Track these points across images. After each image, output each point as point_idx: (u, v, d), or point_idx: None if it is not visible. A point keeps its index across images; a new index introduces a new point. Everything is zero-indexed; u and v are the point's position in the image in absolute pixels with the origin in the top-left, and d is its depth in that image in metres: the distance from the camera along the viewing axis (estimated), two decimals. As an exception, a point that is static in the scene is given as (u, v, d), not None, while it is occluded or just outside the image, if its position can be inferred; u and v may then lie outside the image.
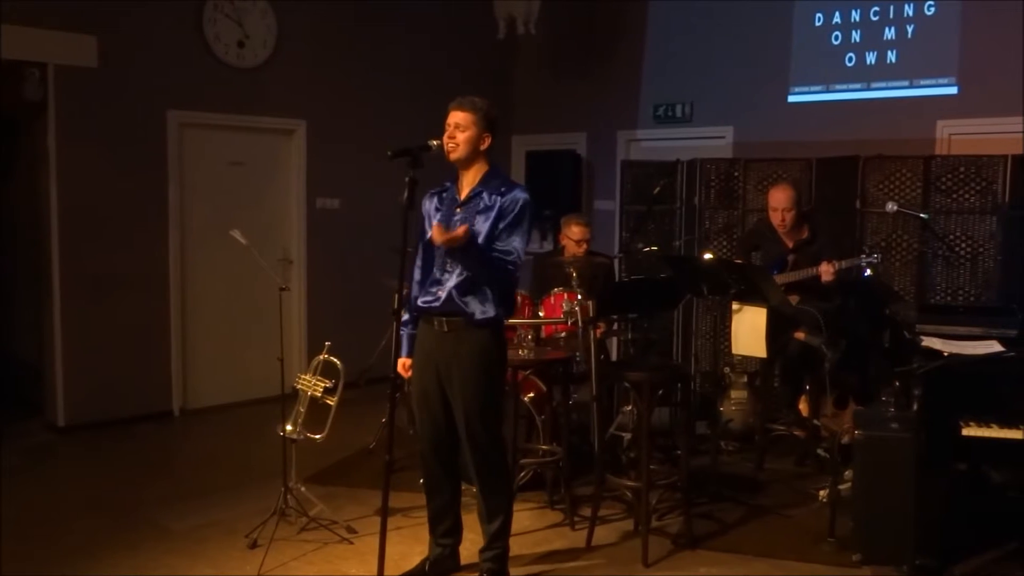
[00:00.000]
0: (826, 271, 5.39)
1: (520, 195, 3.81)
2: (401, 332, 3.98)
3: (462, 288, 3.76)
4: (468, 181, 3.88)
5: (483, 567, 3.99)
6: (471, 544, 4.19)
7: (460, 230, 3.60)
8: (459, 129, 3.80)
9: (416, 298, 3.91)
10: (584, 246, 5.82)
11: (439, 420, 3.92)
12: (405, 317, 3.97)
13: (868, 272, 5.39)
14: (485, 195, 3.81)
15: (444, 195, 3.94)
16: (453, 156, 3.81)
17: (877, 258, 5.42)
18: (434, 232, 3.66)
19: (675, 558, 4.38)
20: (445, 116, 3.86)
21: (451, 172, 3.94)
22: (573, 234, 5.84)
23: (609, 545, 4.53)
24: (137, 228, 6.78)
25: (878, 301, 5.55)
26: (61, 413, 6.52)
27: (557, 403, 5.15)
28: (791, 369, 5.86)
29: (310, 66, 7.68)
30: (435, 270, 3.85)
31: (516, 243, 3.77)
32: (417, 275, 3.93)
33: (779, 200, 5.71)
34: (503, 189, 3.82)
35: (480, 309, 3.77)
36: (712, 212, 7.06)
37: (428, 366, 3.89)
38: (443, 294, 3.79)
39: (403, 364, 4.00)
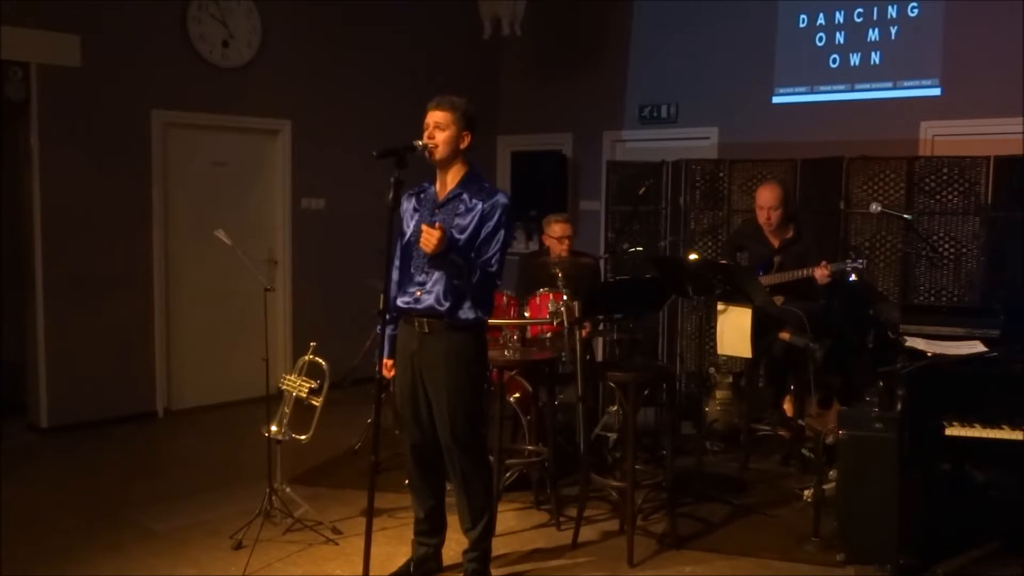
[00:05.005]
0: (822, 275, 5.41)
1: (501, 201, 3.80)
2: (380, 332, 3.97)
3: (444, 290, 3.75)
4: (447, 182, 3.85)
5: (467, 568, 3.99)
6: (455, 544, 4.19)
7: (436, 235, 3.56)
8: (438, 128, 3.76)
9: (395, 298, 3.89)
10: (567, 243, 5.80)
11: (423, 421, 3.91)
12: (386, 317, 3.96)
13: (853, 277, 5.42)
14: (466, 197, 3.79)
15: (423, 196, 3.92)
16: (435, 156, 3.78)
17: (862, 263, 5.44)
18: (423, 238, 3.61)
19: (660, 558, 4.39)
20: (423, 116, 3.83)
21: (435, 174, 3.92)
22: (554, 232, 5.82)
23: (595, 545, 4.53)
24: (121, 228, 6.74)
25: (862, 302, 5.57)
26: (44, 414, 6.48)
27: (543, 403, 5.14)
28: (776, 369, 5.88)
29: (295, 66, 7.66)
30: (414, 270, 3.83)
31: (496, 250, 3.77)
32: (395, 275, 3.91)
33: (765, 198, 5.73)
34: (484, 194, 3.80)
35: (462, 311, 3.77)
36: (697, 213, 7.07)
37: (410, 367, 3.88)
38: (424, 295, 3.78)
39: (386, 365, 3.99)
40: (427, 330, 3.80)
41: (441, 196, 3.84)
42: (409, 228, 3.89)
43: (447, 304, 3.75)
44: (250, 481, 5.13)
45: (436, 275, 3.77)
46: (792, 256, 5.69)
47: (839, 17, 7.48)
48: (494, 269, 3.79)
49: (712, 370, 6.33)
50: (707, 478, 5.27)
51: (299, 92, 7.73)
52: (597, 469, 5.08)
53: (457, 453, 3.86)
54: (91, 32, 6.47)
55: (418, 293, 3.80)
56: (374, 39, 8.24)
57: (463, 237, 3.74)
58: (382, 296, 3.80)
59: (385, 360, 3.98)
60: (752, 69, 7.89)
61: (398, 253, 3.93)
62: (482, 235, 3.76)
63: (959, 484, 4.57)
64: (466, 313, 3.77)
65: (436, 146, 3.75)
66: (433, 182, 3.92)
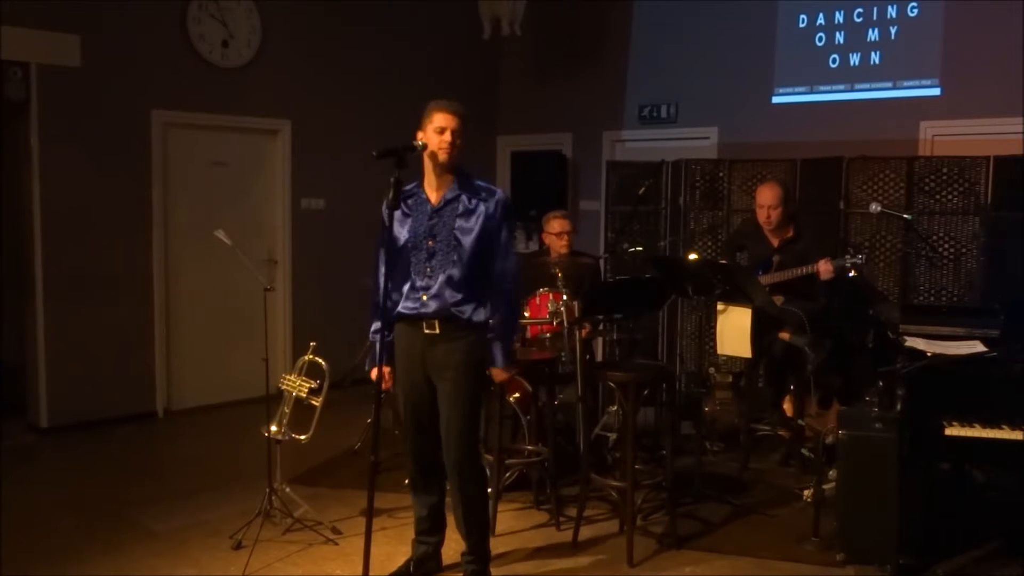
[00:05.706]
0: (825, 270, 5.41)
1: (500, 197, 3.84)
2: (374, 339, 3.91)
3: (451, 293, 3.76)
4: (441, 184, 3.82)
5: (466, 569, 4.00)
6: (455, 544, 4.19)
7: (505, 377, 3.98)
8: (456, 135, 3.74)
9: (394, 303, 3.85)
10: (565, 239, 5.80)
11: (425, 422, 3.91)
12: (377, 325, 3.88)
13: (853, 273, 5.42)
14: (465, 198, 3.80)
15: (411, 200, 3.85)
16: (448, 160, 3.74)
17: (861, 259, 5.44)
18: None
19: (660, 558, 4.39)
20: (423, 115, 3.78)
21: (421, 176, 3.88)
22: (553, 228, 5.82)
23: (594, 545, 4.53)
24: (121, 228, 6.74)
25: (862, 301, 5.57)
26: (44, 414, 6.48)
27: (543, 403, 5.15)
28: (776, 369, 5.87)
29: (295, 66, 7.66)
30: (415, 275, 3.81)
31: (507, 244, 3.85)
32: (387, 279, 3.79)
33: (766, 197, 5.73)
34: (483, 192, 3.82)
35: (474, 314, 3.79)
36: (697, 213, 7.07)
37: (417, 368, 3.87)
38: (431, 300, 3.78)
39: (385, 372, 3.87)
40: (437, 331, 3.80)
41: (435, 200, 3.82)
42: (402, 233, 3.85)
43: (460, 307, 3.77)
44: (250, 481, 5.13)
45: (441, 278, 3.77)
46: (792, 255, 5.69)
47: (839, 17, 7.48)
48: (509, 269, 3.86)
49: (712, 370, 6.33)
50: (707, 478, 5.27)
51: (299, 92, 7.72)
52: (597, 469, 5.08)
53: (457, 455, 3.85)
54: (91, 32, 6.47)
55: (424, 297, 3.80)
56: (374, 39, 8.23)
57: (469, 239, 3.76)
58: (379, 300, 3.78)
59: (385, 368, 3.86)
60: (752, 69, 7.89)
61: (386, 257, 3.83)
62: (490, 233, 3.79)
63: (959, 484, 4.58)
64: (477, 315, 3.80)
65: (454, 151, 3.74)
66: (419, 184, 3.88)
